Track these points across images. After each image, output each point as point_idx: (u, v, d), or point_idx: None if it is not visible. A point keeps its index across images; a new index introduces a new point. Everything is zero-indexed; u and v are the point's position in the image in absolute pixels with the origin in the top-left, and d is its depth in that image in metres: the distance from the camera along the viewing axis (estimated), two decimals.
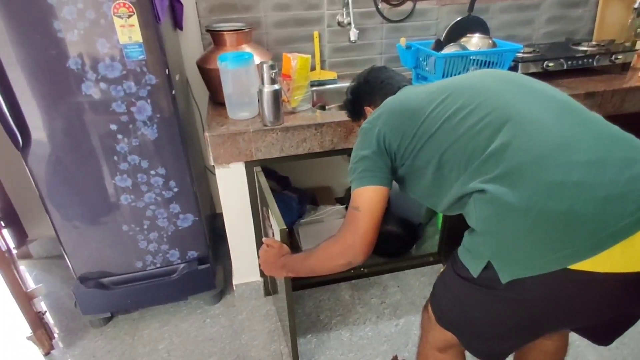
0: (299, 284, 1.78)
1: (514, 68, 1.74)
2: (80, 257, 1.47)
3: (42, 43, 1.12)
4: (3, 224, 1.85)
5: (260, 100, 1.37)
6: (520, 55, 1.77)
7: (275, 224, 1.16)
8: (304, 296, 1.74)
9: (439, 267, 1.87)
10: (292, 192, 1.99)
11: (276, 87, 1.35)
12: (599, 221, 0.69)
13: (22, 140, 1.23)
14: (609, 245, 0.68)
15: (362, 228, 0.96)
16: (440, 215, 1.92)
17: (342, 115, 1.46)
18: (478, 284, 0.81)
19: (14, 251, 1.96)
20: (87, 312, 1.54)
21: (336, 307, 1.68)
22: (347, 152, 1.51)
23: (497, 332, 0.85)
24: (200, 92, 1.75)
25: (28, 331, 1.44)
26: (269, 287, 1.72)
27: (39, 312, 1.45)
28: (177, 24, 1.64)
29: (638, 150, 0.76)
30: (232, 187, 1.47)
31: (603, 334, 0.92)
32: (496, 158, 0.80)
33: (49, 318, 1.56)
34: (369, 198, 0.97)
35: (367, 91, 1.20)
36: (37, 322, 1.42)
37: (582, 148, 0.75)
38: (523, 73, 1.72)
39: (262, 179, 1.36)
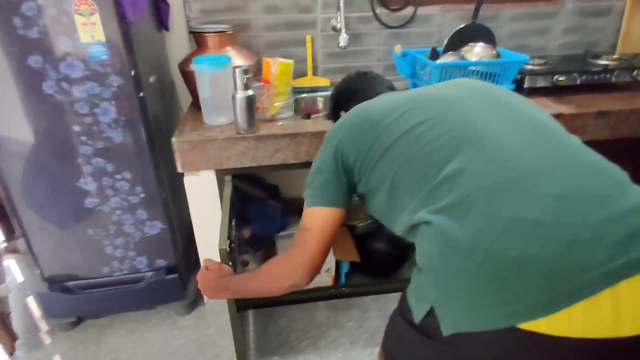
0: (272, 301, 1.69)
1: (519, 81, 1.60)
2: (48, 258, 1.44)
3: (2, 39, 1.09)
4: None
5: (233, 107, 1.30)
6: (528, 67, 1.62)
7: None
8: (277, 313, 1.65)
9: None
10: (278, 201, 1.91)
11: (250, 92, 1.27)
12: (559, 271, 0.57)
13: None
14: (569, 304, 0.56)
15: (309, 250, 0.88)
16: None
17: (319, 126, 1.37)
18: (420, 331, 0.70)
19: (2, 245, 1.99)
20: (51, 315, 1.51)
21: (309, 327, 1.58)
22: None
23: None
24: (187, 95, 1.70)
25: None
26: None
27: (1, 312, 1.43)
28: (163, 24, 1.60)
29: (620, 186, 0.63)
30: (201, 195, 1.40)
31: None
32: (449, 184, 0.69)
33: (12, 319, 1.53)
34: (319, 219, 0.88)
35: (346, 96, 1.11)
36: None
37: (550, 179, 0.63)
38: (530, 87, 1.60)
39: (228, 190, 1.28)
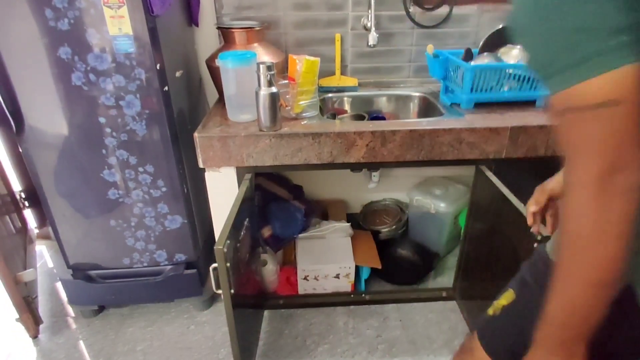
0: (290, 303, 1.66)
1: None
2: (73, 246, 1.47)
3: (34, 31, 1.11)
4: (28, 204, 1.94)
5: (256, 103, 1.28)
6: None
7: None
8: (295, 316, 1.62)
9: (452, 305, 1.66)
10: (301, 202, 1.88)
11: (273, 89, 1.25)
12: None
13: (16, 126, 1.25)
14: None
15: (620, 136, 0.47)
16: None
17: (343, 126, 1.33)
18: None
19: (35, 231, 2.07)
20: (74, 302, 1.55)
21: (327, 333, 1.54)
22: (348, 166, 1.37)
23: None
24: (215, 91, 1.70)
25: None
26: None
27: (27, 296, 1.47)
28: (193, 20, 1.60)
29: None
30: (222, 192, 1.38)
31: None
32: None
33: (38, 303, 1.58)
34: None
35: None
36: (23, 306, 1.44)
37: None
38: None
39: (243, 188, 1.26)
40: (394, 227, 1.95)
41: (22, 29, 1.11)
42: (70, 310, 1.67)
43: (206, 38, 1.68)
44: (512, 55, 1.51)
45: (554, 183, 0.90)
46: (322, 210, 1.97)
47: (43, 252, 2.07)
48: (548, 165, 1.43)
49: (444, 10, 1.67)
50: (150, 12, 1.15)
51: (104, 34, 1.14)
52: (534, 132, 1.30)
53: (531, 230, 0.95)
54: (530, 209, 0.92)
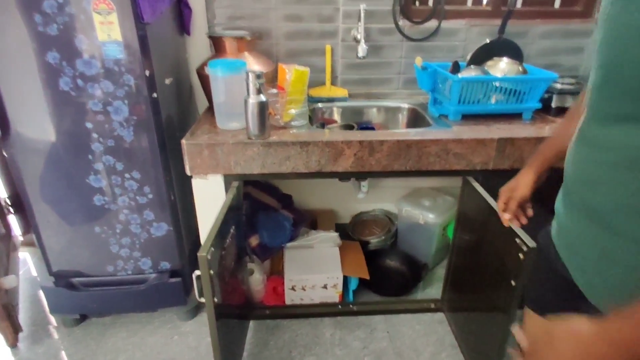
0: (276, 313, 1.64)
1: (547, 100, 1.52)
2: (56, 253, 1.45)
3: (23, 35, 1.11)
4: (13, 211, 1.91)
5: (245, 111, 1.28)
6: (558, 86, 1.54)
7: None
8: (281, 326, 1.60)
9: (440, 317, 1.65)
10: (290, 212, 1.87)
11: (262, 98, 1.25)
12: None
13: (2, 131, 1.24)
14: None
15: None
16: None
17: (331, 135, 1.33)
18: None
19: (20, 238, 2.03)
20: (55, 310, 1.51)
21: (312, 344, 1.52)
22: (335, 175, 1.38)
23: None
24: (205, 99, 1.70)
25: None
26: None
27: (7, 303, 1.44)
28: (184, 28, 1.61)
29: None
30: (209, 200, 1.38)
31: None
32: None
33: (18, 311, 1.54)
34: None
35: None
36: (2, 314, 1.41)
37: None
38: (558, 106, 1.52)
39: (229, 196, 1.25)
40: (382, 237, 1.94)
41: (10, 33, 1.11)
42: (52, 319, 1.63)
43: (198, 47, 1.69)
44: (499, 68, 1.54)
45: (522, 189, 1.00)
46: (311, 220, 1.96)
47: (27, 260, 2.03)
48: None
49: (432, 24, 1.70)
50: (141, 19, 1.15)
51: (93, 40, 1.14)
52: (521, 144, 1.32)
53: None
54: (505, 217, 1.07)
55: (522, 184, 1.01)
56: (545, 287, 0.85)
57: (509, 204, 1.05)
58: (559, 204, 0.77)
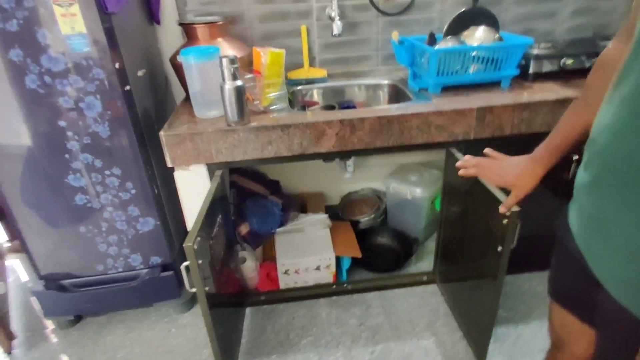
0: (272, 298, 1.65)
1: (524, 67, 1.52)
2: (42, 256, 1.42)
3: None
4: None
5: (222, 98, 1.26)
6: (534, 52, 1.54)
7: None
8: (277, 311, 1.61)
9: (433, 289, 1.68)
10: (278, 197, 1.87)
11: (238, 83, 1.23)
12: None
13: None
14: None
15: None
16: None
17: (312, 117, 1.32)
18: None
19: (6, 245, 2.00)
20: (49, 313, 1.50)
21: (310, 325, 1.54)
22: (319, 156, 1.37)
23: None
24: (181, 89, 1.67)
25: None
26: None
27: None
28: (153, 17, 1.57)
29: None
30: (193, 191, 1.36)
31: None
32: None
33: (10, 318, 1.53)
34: None
35: None
36: None
37: None
38: (536, 72, 1.52)
39: (213, 185, 1.24)
40: (372, 216, 1.95)
41: None
42: (46, 323, 1.62)
43: (170, 36, 1.64)
44: (475, 37, 1.53)
45: (526, 188, 0.91)
46: (300, 204, 1.96)
47: (15, 267, 2.00)
48: (514, 144, 1.46)
49: None
50: (105, 9, 1.11)
51: (56, 34, 1.10)
52: (500, 112, 1.32)
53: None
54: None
55: (527, 184, 0.90)
56: (565, 277, 0.82)
57: (508, 203, 0.98)
58: (582, 184, 0.69)
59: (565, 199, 0.79)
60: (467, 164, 1.02)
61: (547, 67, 1.51)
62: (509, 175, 0.92)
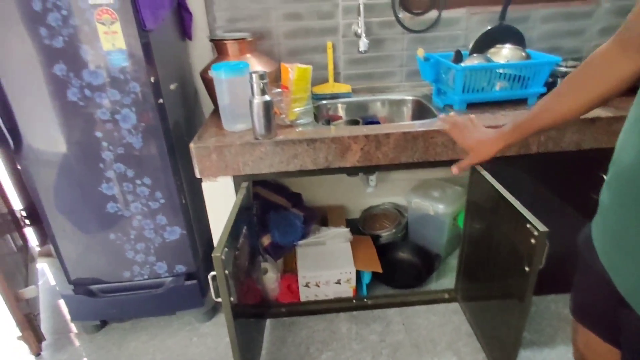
0: (292, 311, 1.66)
1: (552, 84, 1.51)
2: (73, 261, 1.47)
3: (29, 49, 1.14)
4: (29, 223, 1.95)
5: (251, 112, 1.29)
6: (562, 69, 1.53)
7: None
8: (298, 324, 1.61)
9: (454, 307, 1.65)
10: (300, 210, 1.88)
11: (267, 98, 1.26)
12: None
13: (15, 144, 1.26)
14: None
15: None
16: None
17: (337, 131, 1.34)
18: None
19: (37, 249, 2.07)
20: (76, 317, 1.54)
21: (330, 340, 1.53)
22: (343, 170, 1.38)
23: None
24: (210, 102, 1.72)
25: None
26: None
27: (29, 313, 1.47)
28: (186, 33, 1.63)
29: None
30: (219, 202, 1.39)
31: None
32: None
33: (40, 320, 1.57)
34: None
35: None
36: (24, 323, 1.44)
37: None
38: None
39: (240, 196, 1.26)
40: (393, 230, 1.95)
41: (17, 47, 1.13)
42: (72, 327, 1.66)
43: (200, 51, 1.70)
44: (502, 55, 1.53)
45: (482, 157, 1.04)
46: (321, 217, 1.97)
47: (45, 270, 2.07)
48: (540, 162, 1.45)
49: (433, 14, 1.70)
50: (143, 26, 1.17)
51: (98, 50, 1.16)
52: None
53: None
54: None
55: (484, 151, 1.01)
56: (589, 294, 0.81)
57: (462, 164, 1.08)
58: (606, 202, 0.70)
59: (592, 218, 0.78)
60: (448, 119, 1.11)
61: None
62: (472, 139, 1.03)
